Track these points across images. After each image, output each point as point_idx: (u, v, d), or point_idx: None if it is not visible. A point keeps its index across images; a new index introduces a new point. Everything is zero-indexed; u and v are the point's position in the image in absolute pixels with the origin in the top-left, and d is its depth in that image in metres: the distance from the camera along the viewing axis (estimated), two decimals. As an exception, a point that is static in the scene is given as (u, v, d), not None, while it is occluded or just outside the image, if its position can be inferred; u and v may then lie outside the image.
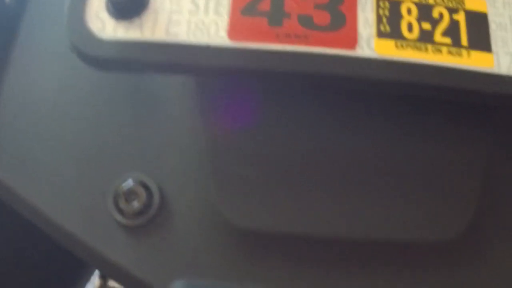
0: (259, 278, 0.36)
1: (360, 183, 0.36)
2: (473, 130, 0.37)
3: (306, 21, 0.33)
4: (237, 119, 0.37)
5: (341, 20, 0.33)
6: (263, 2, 0.33)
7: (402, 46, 0.33)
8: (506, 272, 0.37)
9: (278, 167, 0.36)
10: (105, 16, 0.33)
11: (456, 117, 0.37)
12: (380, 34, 0.33)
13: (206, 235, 0.37)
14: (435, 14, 0.34)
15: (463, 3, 0.34)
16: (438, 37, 0.33)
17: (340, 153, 0.37)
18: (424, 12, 0.33)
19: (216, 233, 0.37)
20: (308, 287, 0.36)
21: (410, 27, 0.33)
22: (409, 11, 0.33)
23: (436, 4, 0.34)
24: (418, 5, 0.34)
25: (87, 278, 0.56)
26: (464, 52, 0.33)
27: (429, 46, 0.33)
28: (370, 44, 0.33)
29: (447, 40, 0.33)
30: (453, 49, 0.33)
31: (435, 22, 0.33)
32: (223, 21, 0.33)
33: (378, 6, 0.33)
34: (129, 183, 0.37)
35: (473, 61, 0.33)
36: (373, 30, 0.33)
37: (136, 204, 0.37)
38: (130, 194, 0.37)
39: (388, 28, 0.33)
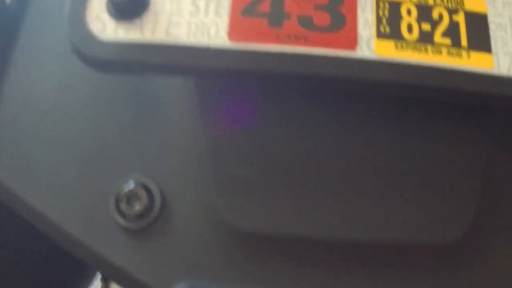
0: (260, 279, 0.36)
1: (360, 184, 0.36)
2: (473, 131, 0.37)
3: (306, 22, 0.33)
4: (237, 120, 0.37)
5: (341, 21, 0.33)
6: (263, 3, 0.33)
7: (402, 47, 0.33)
8: (507, 273, 0.37)
9: (279, 168, 0.36)
10: (105, 17, 0.33)
11: (456, 118, 0.37)
12: (380, 35, 0.33)
13: (207, 237, 0.37)
14: (435, 15, 0.34)
15: (463, 3, 0.34)
16: (438, 38, 0.33)
17: (340, 154, 0.37)
18: (424, 13, 0.34)
19: (217, 235, 0.37)
20: None
21: (410, 28, 0.33)
22: (408, 12, 0.34)
23: (436, 5, 0.34)
24: (417, 6, 0.34)
25: (89, 280, 0.56)
26: (464, 53, 0.33)
27: (429, 47, 0.33)
28: (370, 45, 0.33)
29: (447, 41, 0.33)
30: (453, 50, 0.33)
31: (435, 23, 0.33)
32: (223, 22, 0.33)
33: (378, 7, 0.34)
34: (130, 185, 0.37)
35: (473, 62, 0.33)
36: (373, 31, 0.33)
37: (137, 207, 0.37)
38: (131, 197, 0.37)
39: (388, 29, 0.33)
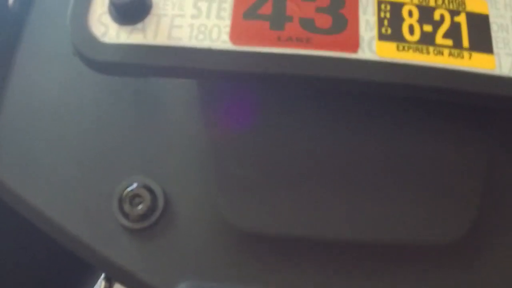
0: (261, 279, 0.36)
1: (361, 184, 0.36)
2: (474, 131, 0.37)
3: (307, 24, 0.33)
4: (239, 121, 0.37)
5: (342, 23, 0.33)
6: (265, 5, 0.33)
7: (403, 48, 0.33)
8: (507, 273, 0.37)
9: (280, 169, 0.36)
10: (108, 20, 0.33)
11: (457, 119, 0.37)
12: (382, 37, 0.33)
13: (210, 237, 0.37)
14: (436, 16, 0.34)
15: (464, 5, 0.34)
16: (439, 39, 0.33)
17: (342, 155, 0.37)
18: (425, 14, 0.34)
19: (219, 235, 0.37)
20: None
21: (411, 30, 0.33)
22: (410, 14, 0.34)
23: (437, 6, 0.34)
24: (419, 7, 0.34)
25: (93, 280, 0.56)
26: (465, 54, 0.33)
27: (431, 48, 0.33)
28: (371, 47, 0.33)
29: (449, 42, 0.33)
30: (455, 51, 0.33)
31: (436, 24, 0.33)
32: (225, 25, 0.33)
33: (379, 9, 0.34)
34: (133, 186, 0.37)
35: (474, 62, 0.33)
36: (374, 32, 0.33)
37: (140, 208, 0.37)
38: (134, 197, 0.37)
39: (389, 31, 0.33)
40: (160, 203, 0.37)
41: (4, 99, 0.40)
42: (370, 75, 0.33)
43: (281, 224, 0.36)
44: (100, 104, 0.40)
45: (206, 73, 0.33)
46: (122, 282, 0.39)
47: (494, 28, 0.34)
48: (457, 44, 0.33)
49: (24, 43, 0.42)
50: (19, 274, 0.48)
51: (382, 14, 0.33)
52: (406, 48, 0.33)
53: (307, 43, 0.33)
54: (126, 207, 0.37)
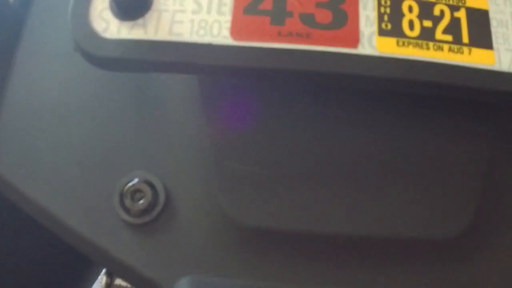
0: (263, 274, 0.36)
1: (362, 180, 0.36)
2: (475, 129, 0.37)
3: (308, 19, 0.33)
4: (241, 117, 0.37)
5: (342, 19, 0.33)
6: (265, 1, 0.33)
7: (403, 44, 0.33)
8: (507, 270, 0.37)
9: (282, 164, 0.37)
10: (109, 16, 0.33)
11: (458, 116, 0.37)
12: (382, 32, 0.33)
13: (211, 233, 0.37)
14: (436, 11, 0.34)
15: (464, 0, 0.34)
16: (439, 34, 0.33)
17: (343, 151, 0.37)
18: (425, 10, 0.34)
19: (221, 231, 0.37)
20: (312, 283, 0.36)
21: (411, 25, 0.33)
22: (410, 9, 0.34)
23: (437, 1, 0.34)
24: (419, 2, 0.34)
25: (95, 275, 0.56)
26: (465, 49, 0.33)
27: (430, 44, 0.33)
28: (371, 42, 0.33)
29: (448, 37, 0.33)
30: (454, 47, 0.33)
31: (436, 20, 0.33)
32: (226, 20, 0.33)
33: (379, 4, 0.34)
34: (134, 181, 0.37)
35: (474, 58, 0.33)
36: (374, 28, 0.33)
37: (142, 203, 0.37)
38: (135, 193, 0.37)
39: (389, 26, 0.33)
40: (161, 198, 0.37)
41: (5, 97, 0.41)
42: (370, 70, 0.33)
43: (282, 219, 0.36)
44: (101, 100, 0.40)
45: (207, 68, 0.33)
46: (123, 277, 0.40)
47: (493, 23, 0.34)
48: (457, 40, 0.33)
49: (24, 42, 0.42)
50: (21, 269, 0.48)
51: (382, 10, 0.34)
52: (406, 43, 0.33)
53: (307, 38, 0.33)
54: (127, 202, 0.37)
